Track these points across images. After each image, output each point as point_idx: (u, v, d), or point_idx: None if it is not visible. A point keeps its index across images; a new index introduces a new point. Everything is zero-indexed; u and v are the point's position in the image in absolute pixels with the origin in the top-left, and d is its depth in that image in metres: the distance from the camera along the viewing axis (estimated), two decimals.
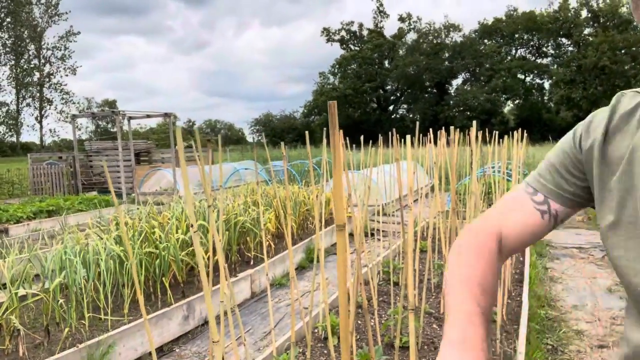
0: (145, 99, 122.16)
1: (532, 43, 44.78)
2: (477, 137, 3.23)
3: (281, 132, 45.94)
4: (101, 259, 3.76)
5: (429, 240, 3.65)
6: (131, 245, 3.97)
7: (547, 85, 43.70)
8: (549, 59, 44.51)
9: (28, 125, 65.99)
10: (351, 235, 7.09)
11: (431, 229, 3.59)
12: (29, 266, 3.47)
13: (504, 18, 44.71)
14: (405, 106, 49.22)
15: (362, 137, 4.18)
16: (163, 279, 4.00)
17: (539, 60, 44.49)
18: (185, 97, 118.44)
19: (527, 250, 5.29)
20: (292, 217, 6.63)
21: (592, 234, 6.91)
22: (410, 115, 46.49)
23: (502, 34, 44.79)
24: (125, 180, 11.30)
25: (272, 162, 12.46)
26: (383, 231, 6.19)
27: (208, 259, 4.90)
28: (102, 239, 4.11)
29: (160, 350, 3.63)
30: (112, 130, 55.33)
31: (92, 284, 3.77)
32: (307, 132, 2.65)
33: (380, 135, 4.25)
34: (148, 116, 11.86)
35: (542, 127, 37.61)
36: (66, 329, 3.28)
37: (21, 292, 3.30)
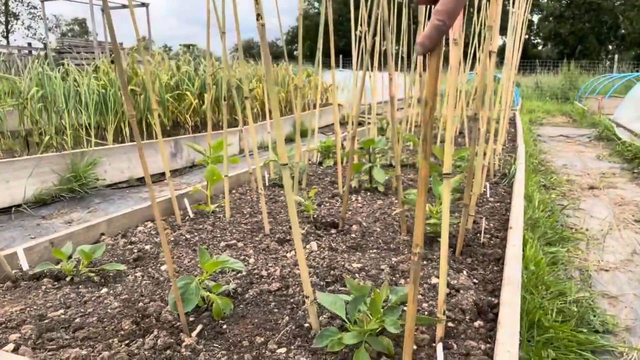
0: None
1: None
2: None
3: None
4: (88, 91, 3.53)
5: None
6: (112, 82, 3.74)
7: (536, 19, 43.00)
8: None
9: None
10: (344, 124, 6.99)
11: None
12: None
13: None
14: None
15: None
16: (148, 115, 3.81)
17: None
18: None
19: (518, 119, 5.35)
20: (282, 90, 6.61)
21: (577, 130, 6.96)
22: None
23: None
24: None
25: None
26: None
27: (193, 109, 4.71)
28: (81, 73, 3.85)
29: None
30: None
31: (73, 107, 3.55)
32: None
33: None
34: (124, 6, 11.10)
35: (526, 61, 37.48)
36: (46, 137, 3.11)
37: None
